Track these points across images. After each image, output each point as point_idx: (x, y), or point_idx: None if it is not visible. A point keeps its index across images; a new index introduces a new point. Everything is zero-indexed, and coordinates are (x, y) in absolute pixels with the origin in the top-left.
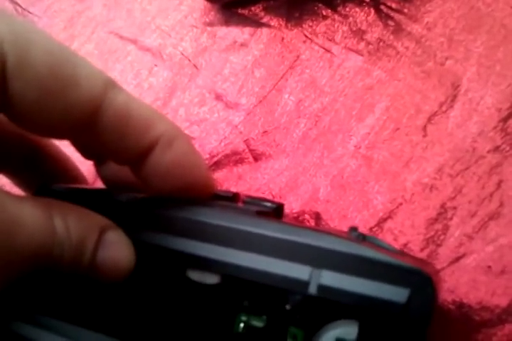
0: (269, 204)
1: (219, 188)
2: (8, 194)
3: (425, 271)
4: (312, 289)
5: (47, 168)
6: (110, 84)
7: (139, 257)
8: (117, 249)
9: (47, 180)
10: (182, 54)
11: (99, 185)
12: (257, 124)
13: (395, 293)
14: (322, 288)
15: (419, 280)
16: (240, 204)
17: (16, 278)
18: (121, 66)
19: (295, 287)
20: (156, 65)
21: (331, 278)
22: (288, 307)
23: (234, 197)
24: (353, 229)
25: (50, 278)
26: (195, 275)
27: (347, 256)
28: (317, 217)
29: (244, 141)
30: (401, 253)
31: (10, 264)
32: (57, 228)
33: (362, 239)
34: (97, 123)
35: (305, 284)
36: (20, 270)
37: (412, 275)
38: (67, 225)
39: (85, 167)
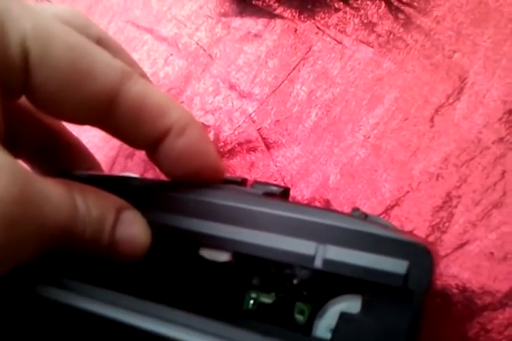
0: (275, 188)
1: (229, 174)
2: (31, 172)
3: (422, 244)
4: (318, 263)
5: (64, 156)
6: (126, 76)
7: (154, 238)
8: (134, 227)
9: (64, 169)
10: (197, 44)
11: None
12: (269, 113)
13: (395, 265)
14: (327, 262)
15: (417, 252)
16: (248, 188)
17: (44, 252)
18: (138, 55)
19: (302, 262)
20: (171, 54)
21: (335, 253)
22: (295, 281)
23: (242, 182)
24: (356, 209)
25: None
26: (207, 254)
27: (350, 231)
28: (327, 203)
29: (257, 130)
30: (399, 230)
31: (39, 236)
32: (79, 205)
33: (364, 217)
34: (113, 112)
35: (311, 259)
36: (48, 243)
37: (410, 248)
38: (87, 203)
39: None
